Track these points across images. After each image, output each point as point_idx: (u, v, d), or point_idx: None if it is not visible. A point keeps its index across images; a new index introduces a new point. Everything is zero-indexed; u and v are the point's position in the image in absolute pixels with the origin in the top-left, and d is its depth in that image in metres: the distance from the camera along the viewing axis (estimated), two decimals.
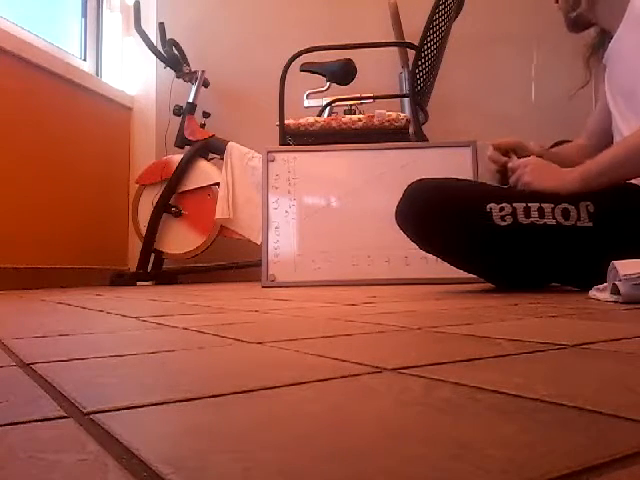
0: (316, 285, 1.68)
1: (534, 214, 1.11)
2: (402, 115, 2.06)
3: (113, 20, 2.85)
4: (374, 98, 2.28)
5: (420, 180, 1.22)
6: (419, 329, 0.57)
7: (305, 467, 0.20)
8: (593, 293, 0.92)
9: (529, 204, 1.11)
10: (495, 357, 0.40)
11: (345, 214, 1.75)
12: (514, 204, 1.11)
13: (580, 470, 0.19)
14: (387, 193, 1.61)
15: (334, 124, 2.06)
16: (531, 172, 1.17)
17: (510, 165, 1.24)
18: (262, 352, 0.46)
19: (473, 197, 1.15)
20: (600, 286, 0.90)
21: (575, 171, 1.14)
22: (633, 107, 1.17)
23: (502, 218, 1.11)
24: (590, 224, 1.09)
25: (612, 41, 1.22)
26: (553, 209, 1.11)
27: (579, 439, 0.22)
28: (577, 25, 1.30)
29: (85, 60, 2.71)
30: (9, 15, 2.21)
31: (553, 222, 1.10)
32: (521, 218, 1.11)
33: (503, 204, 1.12)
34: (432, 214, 1.16)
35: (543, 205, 1.11)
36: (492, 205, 1.11)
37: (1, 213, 2.03)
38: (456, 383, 0.32)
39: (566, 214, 1.10)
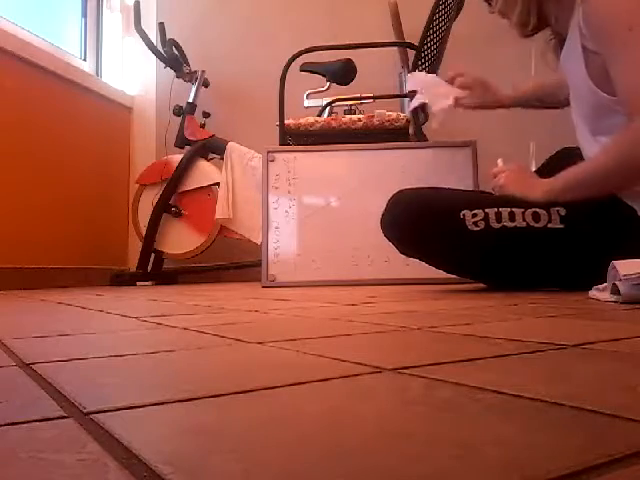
0: (316, 285, 1.67)
1: (505, 218, 1.17)
2: (402, 115, 2.05)
3: (113, 20, 2.85)
4: (374, 98, 2.28)
5: (401, 191, 1.29)
6: (419, 329, 0.57)
7: (305, 467, 0.20)
8: (593, 293, 0.92)
9: (500, 209, 1.17)
10: (495, 357, 0.40)
11: (345, 214, 1.75)
12: (486, 210, 1.18)
13: (580, 470, 0.19)
14: (387, 193, 1.60)
15: (334, 124, 2.06)
16: (507, 177, 1.23)
17: (493, 170, 1.28)
18: (262, 352, 0.46)
19: (448, 205, 1.23)
20: (600, 286, 0.90)
21: (545, 183, 1.18)
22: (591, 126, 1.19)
23: (475, 224, 1.18)
24: (561, 225, 1.14)
25: (562, 55, 1.20)
26: (523, 213, 1.16)
27: (579, 439, 0.22)
28: (526, 27, 1.23)
29: (85, 60, 2.71)
30: (9, 15, 2.21)
31: (523, 224, 1.15)
32: (492, 223, 1.17)
33: (475, 210, 1.18)
34: (411, 223, 1.23)
35: (514, 210, 1.17)
36: (465, 212, 1.18)
37: (1, 213, 2.03)
38: (456, 383, 0.32)
39: (536, 217, 1.15)
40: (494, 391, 0.30)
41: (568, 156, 1.35)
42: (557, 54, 1.25)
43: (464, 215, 1.18)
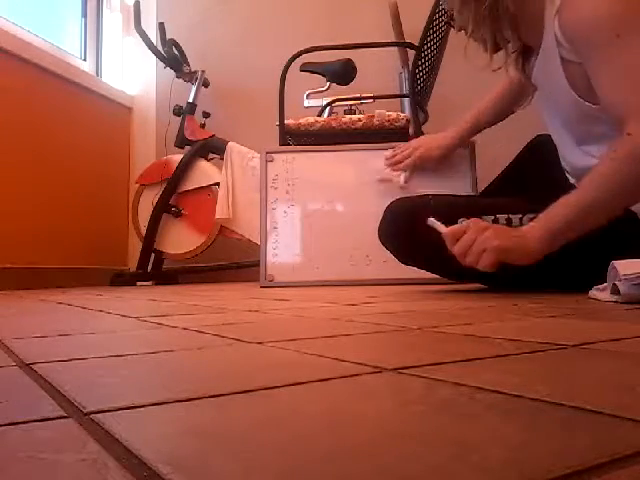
0: (315, 285, 1.67)
1: (502, 225, 1.14)
2: (402, 115, 2.05)
3: (113, 20, 2.85)
4: (374, 98, 2.28)
5: (397, 200, 1.28)
6: (419, 329, 0.57)
7: (305, 467, 0.20)
8: (593, 293, 0.92)
9: (497, 215, 1.15)
10: (495, 357, 0.40)
11: (344, 214, 1.75)
12: (483, 217, 1.15)
13: (580, 470, 0.19)
14: (387, 193, 1.61)
15: (334, 124, 2.06)
16: (485, 241, 0.97)
17: (447, 235, 1.03)
18: (262, 352, 0.46)
19: (445, 213, 1.20)
20: (600, 286, 0.90)
21: (536, 230, 0.98)
22: (571, 133, 1.17)
23: None
24: None
25: (535, 68, 1.18)
26: (521, 219, 1.14)
27: (579, 439, 0.22)
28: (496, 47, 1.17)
29: (85, 60, 2.71)
30: (9, 15, 2.21)
31: None
32: None
33: (473, 218, 1.15)
34: (408, 234, 1.22)
35: (511, 216, 1.15)
36: (462, 219, 1.16)
37: (1, 213, 2.03)
38: (456, 383, 0.32)
39: None
40: (494, 391, 0.30)
41: (543, 145, 1.33)
42: (519, 67, 1.23)
43: (461, 223, 1.17)
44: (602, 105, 1.02)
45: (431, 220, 1.08)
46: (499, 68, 1.18)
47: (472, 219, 1.02)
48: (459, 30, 1.17)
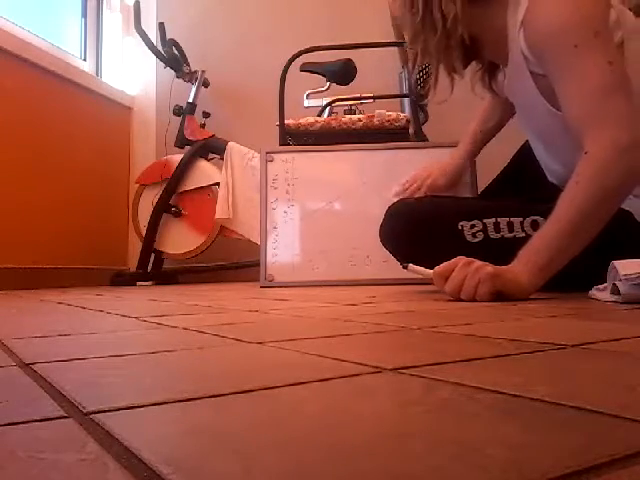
0: (314, 285, 1.67)
1: (503, 229, 1.15)
2: (402, 115, 2.05)
3: (113, 20, 2.85)
4: (374, 98, 2.28)
5: (398, 202, 1.28)
6: (419, 329, 0.57)
7: (305, 467, 0.20)
8: (593, 293, 0.92)
9: (498, 219, 1.15)
10: (495, 357, 0.40)
11: (344, 214, 1.75)
12: (484, 220, 1.16)
13: (580, 470, 0.19)
14: (386, 193, 1.61)
15: (334, 124, 2.06)
16: (482, 282, 0.90)
17: (434, 272, 0.98)
18: (262, 352, 0.46)
19: (445, 217, 1.20)
20: (600, 286, 0.90)
21: (523, 264, 0.92)
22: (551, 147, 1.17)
23: (473, 235, 1.16)
24: None
25: (506, 84, 1.17)
26: (522, 222, 1.14)
27: (579, 439, 0.22)
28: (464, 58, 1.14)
29: (85, 60, 2.71)
30: (9, 15, 2.21)
31: (522, 235, 1.11)
32: (491, 233, 1.15)
33: (474, 221, 1.16)
34: (409, 237, 1.21)
35: (512, 219, 1.14)
36: (463, 223, 1.17)
37: (1, 213, 2.03)
38: (456, 383, 0.32)
39: (535, 226, 1.09)
40: (494, 391, 0.30)
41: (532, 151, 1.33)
42: (485, 84, 1.23)
43: (462, 227, 1.16)
44: (565, 120, 1.00)
45: (410, 266, 1.03)
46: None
47: (458, 257, 0.95)
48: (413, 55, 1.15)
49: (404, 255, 1.28)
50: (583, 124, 0.95)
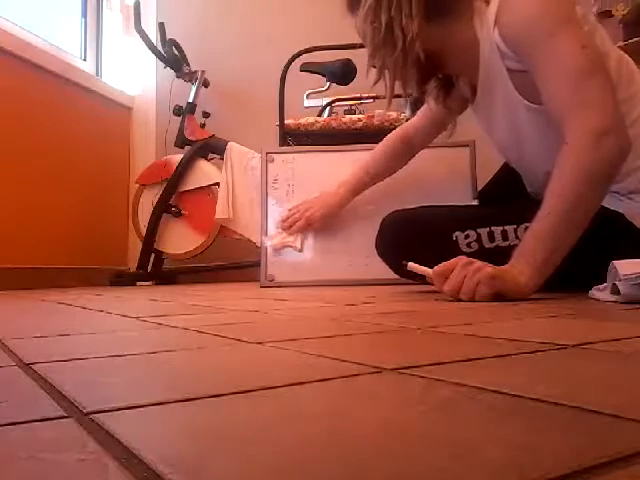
0: (315, 285, 1.67)
1: (498, 238, 1.15)
2: (402, 115, 2.05)
3: (113, 20, 2.85)
4: (374, 98, 2.28)
5: (392, 213, 1.29)
6: (419, 329, 0.57)
7: (305, 467, 0.20)
8: (593, 293, 0.92)
9: (492, 228, 1.15)
10: (495, 357, 0.40)
11: (344, 214, 1.74)
12: (478, 230, 1.16)
13: (580, 470, 0.19)
14: (386, 193, 1.61)
15: (334, 124, 2.06)
16: (483, 283, 0.89)
17: (433, 272, 0.98)
18: (262, 352, 0.46)
19: (440, 227, 1.20)
20: (600, 286, 0.90)
21: (520, 264, 0.91)
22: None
23: (468, 245, 1.16)
24: None
25: (479, 93, 1.16)
26: (516, 230, 1.13)
27: (579, 439, 0.22)
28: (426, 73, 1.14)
29: (85, 60, 2.71)
30: (9, 15, 2.21)
31: (517, 242, 1.08)
32: (486, 243, 1.16)
33: (468, 231, 1.16)
34: (403, 250, 1.20)
35: (506, 227, 1.15)
36: (457, 233, 1.17)
37: (1, 213, 2.03)
38: (456, 383, 0.32)
39: None
40: (494, 391, 0.30)
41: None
42: (440, 100, 1.23)
43: (456, 237, 1.17)
44: (547, 111, 1.00)
45: (410, 264, 1.05)
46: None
47: (458, 257, 0.95)
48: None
49: (400, 267, 1.27)
50: (562, 111, 0.95)
